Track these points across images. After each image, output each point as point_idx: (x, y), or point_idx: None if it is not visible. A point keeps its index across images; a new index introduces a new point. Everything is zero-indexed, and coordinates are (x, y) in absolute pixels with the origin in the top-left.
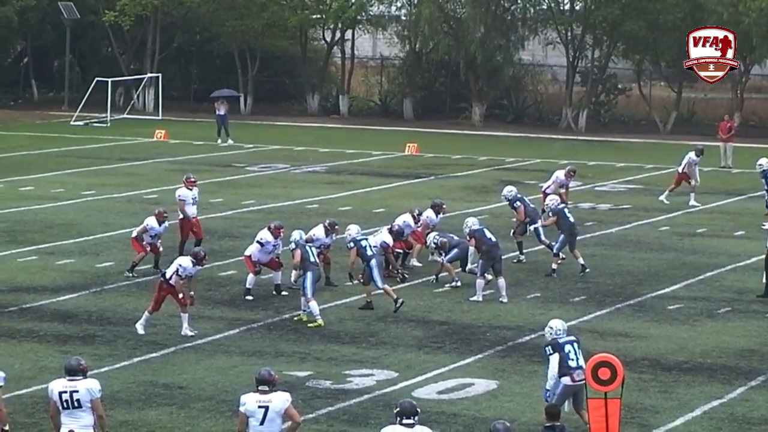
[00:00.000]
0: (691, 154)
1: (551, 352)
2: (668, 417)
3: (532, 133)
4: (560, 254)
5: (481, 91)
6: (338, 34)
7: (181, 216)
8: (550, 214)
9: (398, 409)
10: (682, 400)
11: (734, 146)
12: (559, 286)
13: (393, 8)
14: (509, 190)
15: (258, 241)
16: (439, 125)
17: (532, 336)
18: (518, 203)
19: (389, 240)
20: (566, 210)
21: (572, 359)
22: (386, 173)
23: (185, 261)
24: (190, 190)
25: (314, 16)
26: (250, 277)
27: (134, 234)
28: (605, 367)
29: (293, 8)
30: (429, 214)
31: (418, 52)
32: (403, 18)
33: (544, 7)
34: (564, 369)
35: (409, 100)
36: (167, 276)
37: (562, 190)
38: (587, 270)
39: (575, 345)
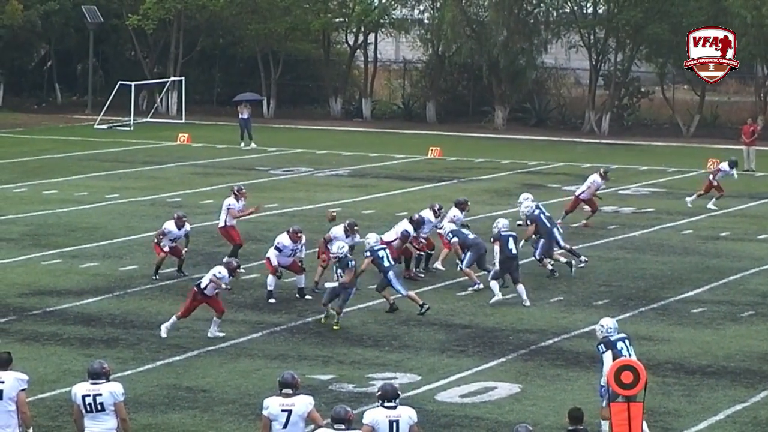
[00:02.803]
0: (724, 165)
1: (604, 350)
2: (691, 421)
3: (555, 136)
4: (548, 257)
5: (503, 94)
6: (361, 38)
7: (225, 224)
8: (528, 222)
9: (380, 392)
10: (705, 403)
11: (757, 150)
12: (582, 289)
13: (416, 12)
14: (527, 198)
15: (276, 246)
16: (461, 128)
17: (555, 339)
18: (529, 222)
19: (410, 229)
20: (543, 214)
21: (625, 356)
22: (409, 176)
23: (221, 270)
24: (238, 201)
25: (337, 20)
26: (270, 278)
27: (155, 239)
28: (628, 371)
29: (316, 12)
30: (454, 212)
31: (441, 56)
32: (426, 21)
33: (567, 10)
34: None
35: (431, 104)
36: (202, 286)
37: (597, 192)
38: (556, 275)
39: (627, 342)
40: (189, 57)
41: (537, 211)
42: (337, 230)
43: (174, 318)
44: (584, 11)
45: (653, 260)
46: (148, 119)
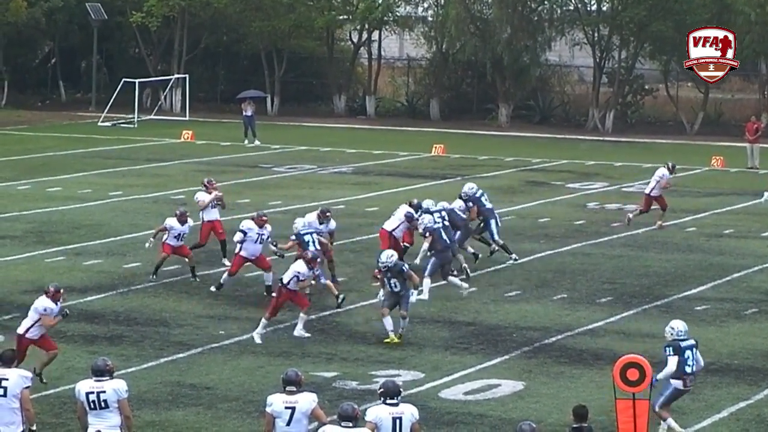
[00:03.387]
0: (662, 170)
1: (671, 353)
2: (695, 418)
3: (559, 134)
4: (497, 241)
5: (507, 91)
6: (365, 35)
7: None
8: (470, 204)
9: (381, 389)
10: (708, 401)
11: (761, 147)
12: (585, 287)
13: (420, 9)
14: (470, 187)
15: (241, 229)
16: (465, 126)
17: (559, 337)
18: (471, 204)
19: (412, 210)
20: (483, 197)
21: (689, 365)
22: (413, 174)
23: (301, 266)
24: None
25: (341, 17)
26: (225, 276)
27: (164, 239)
28: (634, 368)
29: (320, 9)
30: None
31: (445, 53)
32: (430, 19)
33: (571, 7)
34: (679, 373)
35: (435, 101)
36: (285, 281)
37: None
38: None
39: (694, 350)
40: (193, 54)
41: (479, 193)
42: (311, 216)
43: (263, 320)
44: (588, 8)
45: (657, 258)
46: (152, 116)
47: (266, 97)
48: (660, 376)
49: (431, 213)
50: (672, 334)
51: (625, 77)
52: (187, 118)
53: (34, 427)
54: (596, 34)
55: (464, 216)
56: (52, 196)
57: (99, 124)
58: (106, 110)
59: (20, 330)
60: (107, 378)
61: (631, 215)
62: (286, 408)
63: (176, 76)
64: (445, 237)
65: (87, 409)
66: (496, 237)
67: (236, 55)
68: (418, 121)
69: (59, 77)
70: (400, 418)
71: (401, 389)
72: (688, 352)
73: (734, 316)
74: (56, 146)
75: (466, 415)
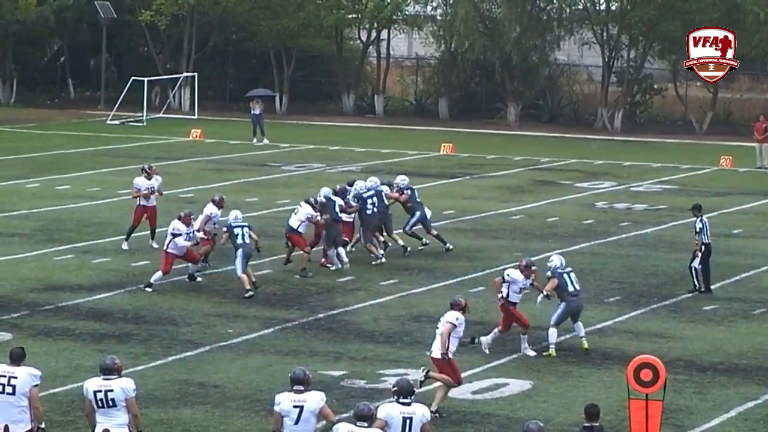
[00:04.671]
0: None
1: None
2: (703, 418)
3: (568, 133)
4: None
5: (516, 91)
6: (374, 34)
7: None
8: (406, 191)
9: (396, 388)
10: (717, 401)
11: None
12: (594, 286)
13: (428, 8)
14: (402, 179)
15: (172, 233)
16: (474, 125)
17: (567, 336)
18: (408, 191)
19: (310, 211)
20: (415, 192)
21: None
22: (421, 173)
23: (516, 273)
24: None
25: (350, 16)
26: (159, 273)
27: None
28: (647, 369)
29: (329, 8)
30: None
31: (454, 52)
32: (439, 18)
33: (580, 7)
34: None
35: (444, 100)
36: (511, 300)
37: None
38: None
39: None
40: (202, 53)
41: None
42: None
43: (496, 331)
44: (597, 8)
45: (665, 257)
46: (161, 115)
47: (275, 95)
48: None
49: (362, 196)
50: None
51: (633, 76)
52: (195, 117)
53: (42, 425)
54: (605, 34)
55: (387, 203)
56: (61, 194)
57: (108, 122)
58: (114, 108)
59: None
60: (115, 376)
61: None
62: (294, 407)
63: (185, 74)
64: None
65: (95, 407)
66: (407, 228)
67: (245, 54)
68: (426, 120)
69: (68, 75)
70: (411, 418)
71: (415, 389)
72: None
73: (742, 316)
74: (65, 144)
75: (474, 415)
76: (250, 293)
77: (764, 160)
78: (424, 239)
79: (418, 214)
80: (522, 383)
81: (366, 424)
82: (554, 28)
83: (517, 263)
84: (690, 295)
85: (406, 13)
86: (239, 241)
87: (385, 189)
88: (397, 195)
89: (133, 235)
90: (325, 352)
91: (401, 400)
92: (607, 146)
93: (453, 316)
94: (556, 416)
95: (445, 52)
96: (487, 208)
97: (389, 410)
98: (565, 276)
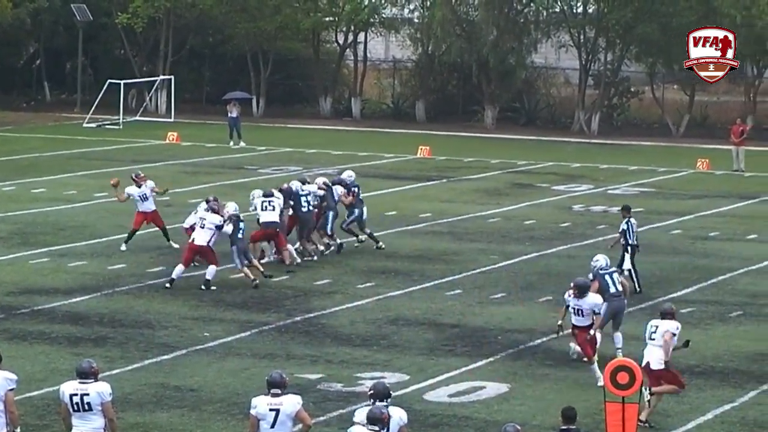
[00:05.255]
0: None
1: None
2: (680, 421)
3: (545, 136)
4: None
5: (493, 93)
6: (351, 37)
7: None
8: (354, 189)
9: (372, 391)
10: (693, 403)
11: (746, 150)
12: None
13: (406, 11)
14: (349, 175)
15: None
16: (451, 128)
17: (544, 339)
18: (355, 188)
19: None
20: (358, 189)
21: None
22: (398, 176)
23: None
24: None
25: (327, 19)
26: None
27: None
28: (624, 372)
29: (306, 11)
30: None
31: (431, 55)
32: (416, 21)
33: (557, 10)
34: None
35: (421, 103)
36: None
37: None
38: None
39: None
40: (178, 55)
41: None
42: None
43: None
44: (574, 11)
45: (642, 260)
46: (137, 118)
47: (251, 98)
48: None
49: (299, 195)
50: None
51: (610, 79)
52: (172, 120)
53: (18, 430)
54: (582, 37)
55: (336, 199)
56: (37, 198)
57: (84, 125)
58: (91, 111)
59: None
60: (92, 380)
61: None
62: (271, 410)
63: (161, 77)
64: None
65: (71, 411)
66: (345, 225)
67: (222, 57)
68: (403, 123)
69: (44, 78)
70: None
71: (391, 392)
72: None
73: (719, 319)
74: (41, 147)
75: (451, 418)
76: (257, 282)
77: (741, 163)
78: (360, 236)
79: (356, 212)
80: (499, 386)
81: (377, 428)
82: (531, 31)
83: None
84: (666, 297)
85: (383, 16)
86: (239, 236)
87: (340, 189)
88: (350, 199)
89: (106, 238)
90: (302, 355)
91: (378, 404)
92: (584, 149)
93: (673, 325)
94: (533, 419)
95: (422, 54)
96: (463, 211)
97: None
98: (607, 277)
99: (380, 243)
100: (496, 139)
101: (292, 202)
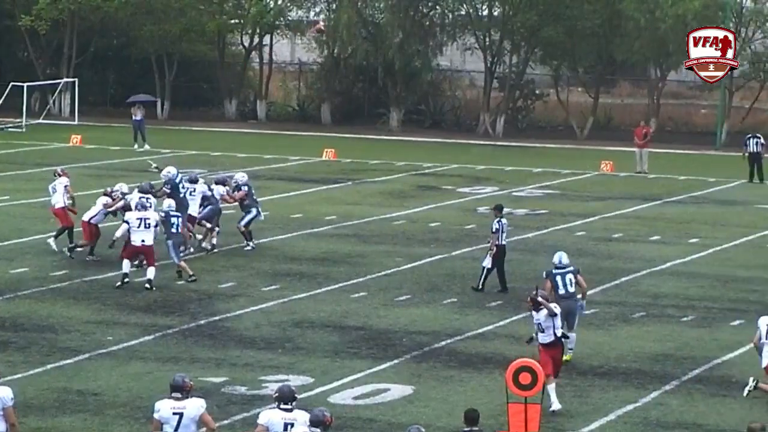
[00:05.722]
0: None
1: None
2: (583, 421)
3: (450, 138)
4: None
5: (399, 96)
6: (256, 39)
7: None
8: (243, 188)
9: (277, 394)
10: (596, 404)
11: (650, 152)
12: (476, 292)
13: (311, 13)
14: (242, 176)
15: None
16: (357, 130)
17: (449, 341)
18: (245, 187)
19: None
20: (252, 189)
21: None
22: (304, 178)
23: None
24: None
25: (232, 21)
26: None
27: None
28: (526, 372)
29: (211, 13)
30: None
31: (337, 57)
32: (322, 23)
33: (463, 12)
34: None
35: (327, 105)
36: None
37: None
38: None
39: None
40: (82, 58)
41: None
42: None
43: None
44: (480, 14)
45: (547, 262)
46: (41, 121)
47: (156, 101)
48: None
49: (179, 190)
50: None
51: (515, 82)
52: (76, 123)
53: None
54: (487, 39)
55: (218, 198)
56: None
57: None
58: None
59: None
60: None
61: None
62: (174, 414)
63: (65, 79)
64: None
65: None
66: (242, 223)
67: (126, 59)
68: (309, 126)
69: None
70: (292, 424)
71: (296, 395)
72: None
73: (622, 320)
74: None
75: (356, 420)
76: (194, 278)
77: (644, 165)
78: (250, 243)
79: (253, 211)
80: (403, 388)
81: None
82: (437, 34)
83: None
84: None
85: (289, 18)
86: (173, 230)
87: (221, 189)
88: (231, 198)
89: (8, 242)
90: (206, 358)
91: (282, 406)
92: (489, 151)
93: None
94: (438, 421)
95: (328, 57)
96: (369, 214)
97: (270, 416)
98: (558, 278)
99: (252, 244)
100: (402, 142)
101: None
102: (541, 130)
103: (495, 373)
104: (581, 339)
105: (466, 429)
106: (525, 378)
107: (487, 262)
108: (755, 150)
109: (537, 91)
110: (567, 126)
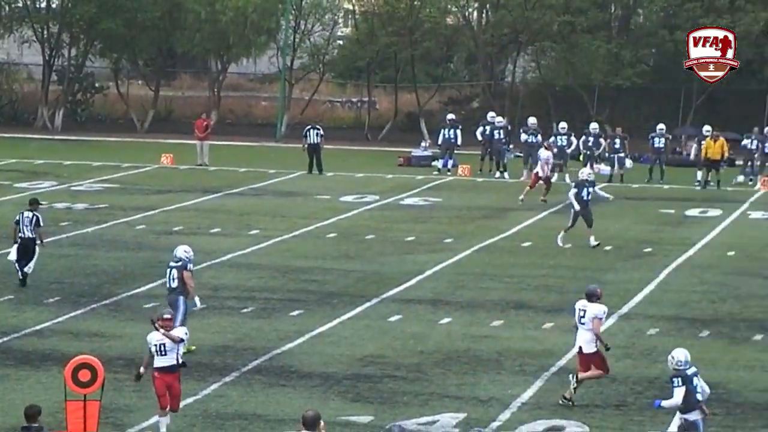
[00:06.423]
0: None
1: (680, 384)
2: (142, 416)
3: (7, 132)
4: None
5: None
6: None
7: None
8: None
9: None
10: (153, 398)
11: (211, 144)
12: (32, 288)
13: None
14: None
15: None
16: None
17: (5, 339)
18: None
19: None
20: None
21: (698, 393)
22: None
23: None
24: None
25: None
26: None
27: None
28: (86, 369)
29: None
30: None
31: None
32: None
33: (20, 4)
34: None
35: None
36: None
37: None
38: None
39: (698, 376)
40: None
41: None
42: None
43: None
44: (37, 5)
45: (106, 256)
46: None
47: None
48: (665, 404)
49: None
50: (674, 365)
51: (75, 75)
52: None
53: None
54: (46, 32)
55: None
56: None
57: None
58: None
59: None
60: None
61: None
62: None
63: None
64: None
65: None
66: None
67: None
68: None
69: None
70: None
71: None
72: (695, 380)
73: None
74: None
75: None
76: None
77: (205, 157)
78: None
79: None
80: None
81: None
82: None
83: None
84: (130, 293)
85: None
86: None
87: None
88: None
89: None
90: None
91: None
92: (48, 145)
93: (600, 309)
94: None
95: None
96: None
97: None
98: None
99: None
100: None
101: None
102: (102, 124)
103: (53, 371)
104: (141, 333)
105: (24, 426)
106: (84, 375)
107: (12, 256)
108: (314, 141)
109: (97, 84)
110: (127, 119)
